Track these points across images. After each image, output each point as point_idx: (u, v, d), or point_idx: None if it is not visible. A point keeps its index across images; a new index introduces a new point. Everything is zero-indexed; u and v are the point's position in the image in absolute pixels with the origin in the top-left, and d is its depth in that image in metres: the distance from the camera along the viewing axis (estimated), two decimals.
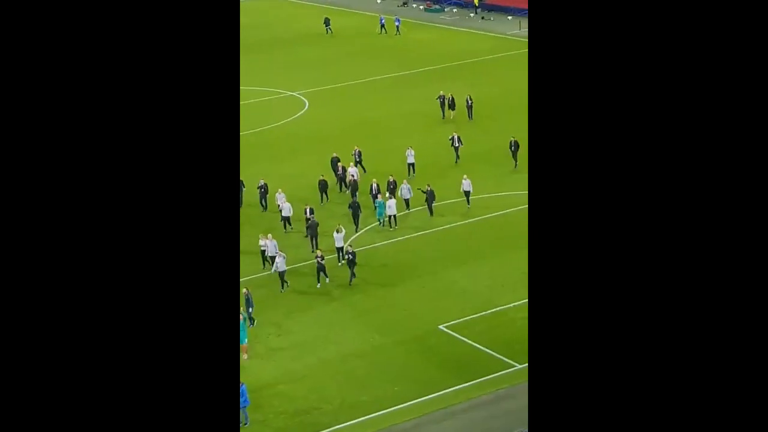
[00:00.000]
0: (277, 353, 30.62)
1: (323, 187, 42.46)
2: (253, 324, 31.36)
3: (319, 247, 36.21)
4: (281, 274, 34.59)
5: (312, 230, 37.33)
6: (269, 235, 36.14)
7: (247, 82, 62.58)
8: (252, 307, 31.88)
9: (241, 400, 25.99)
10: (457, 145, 45.57)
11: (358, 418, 26.50)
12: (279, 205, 40.28)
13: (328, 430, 26.17)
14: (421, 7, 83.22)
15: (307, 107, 57.71)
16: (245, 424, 26.36)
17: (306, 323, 32.28)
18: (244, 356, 28.99)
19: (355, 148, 45.36)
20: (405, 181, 40.93)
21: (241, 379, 28.96)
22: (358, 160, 44.66)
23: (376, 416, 26.52)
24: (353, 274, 34.14)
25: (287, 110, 57.17)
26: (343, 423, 26.28)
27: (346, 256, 34.53)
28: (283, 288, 34.45)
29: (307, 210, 39.08)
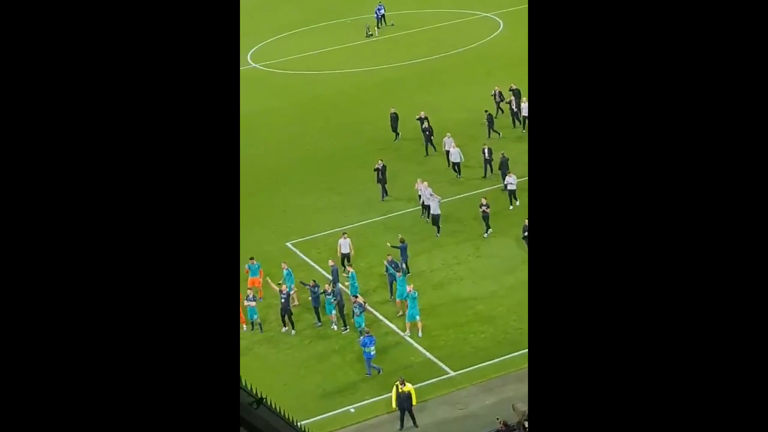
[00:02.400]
0: (474, 273, 31.07)
1: (490, 121, 40.99)
2: (407, 274, 30.57)
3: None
4: (435, 219, 33.68)
5: (504, 167, 35.79)
6: (425, 183, 34.86)
7: (441, 3, 62.49)
8: (407, 258, 31.24)
9: (371, 348, 26.54)
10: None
11: None
12: (448, 151, 38.21)
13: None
14: None
15: (501, 29, 57.18)
16: (378, 372, 26.79)
17: (502, 246, 32.55)
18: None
19: (495, 88, 42.77)
20: None
21: (439, 299, 29.62)
22: (498, 100, 42.19)
23: None
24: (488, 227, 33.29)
25: (481, 32, 56.82)
26: None
27: (481, 209, 33.21)
28: (438, 233, 33.52)
29: (486, 150, 37.27)
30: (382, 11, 60.19)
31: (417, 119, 40.86)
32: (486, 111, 41.53)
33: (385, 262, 30.32)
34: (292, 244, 34.73)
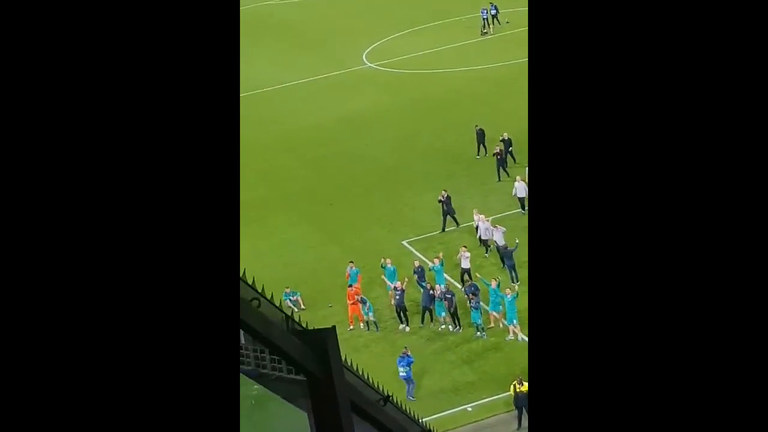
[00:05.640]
0: None
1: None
2: (517, 282, 29.74)
3: None
4: (501, 251, 31.05)
5: None
6: (482, 215, 33.09)
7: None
8: (513, 264, 30.23)
9: (405, 369, 26.09)
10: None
11: None
12: (515, 186, 34.95)
13: None
14: None
15: None
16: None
17: None
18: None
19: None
20: None
21: None
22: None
23: None
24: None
25: None
26: None
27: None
28: (505, 266, 30.88)
29: None
30: (494, 11, 59.95)
31: (501, 140, 39.01)
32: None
33: (462, 289, 29.77)
34: (408, 242, 34.88)
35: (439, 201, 35.09)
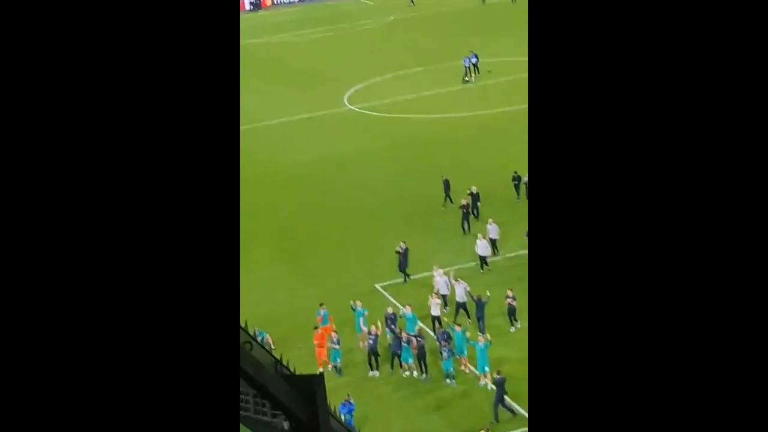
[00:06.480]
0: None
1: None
2: (484, 334, 28.94)
3: None
4: (460, 306, 31.28)
5: None
6: (440, 270, 32.75)
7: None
8: (483, 315, 30.11)
9: (347, 417, 25.76)
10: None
11: None
12: (477, 243, 34.93)
13: None
14: None
15: None
16: None
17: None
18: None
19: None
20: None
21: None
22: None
23: None
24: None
25: None
26: None
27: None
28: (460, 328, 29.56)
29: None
30: (474, 60, 60.50)
31: (468, 193, 39.00)
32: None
33: (435, 337, 29.83)
34: (381, 286, 34.92)
35: (397, 252, 35.01)
